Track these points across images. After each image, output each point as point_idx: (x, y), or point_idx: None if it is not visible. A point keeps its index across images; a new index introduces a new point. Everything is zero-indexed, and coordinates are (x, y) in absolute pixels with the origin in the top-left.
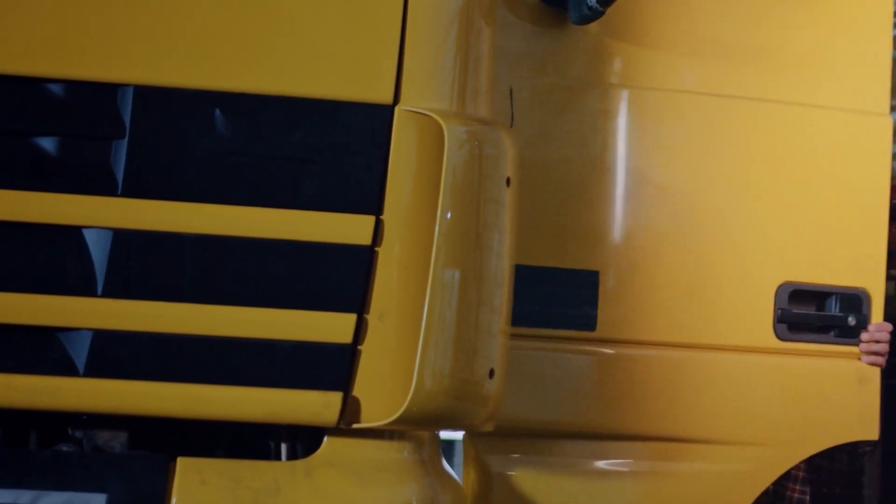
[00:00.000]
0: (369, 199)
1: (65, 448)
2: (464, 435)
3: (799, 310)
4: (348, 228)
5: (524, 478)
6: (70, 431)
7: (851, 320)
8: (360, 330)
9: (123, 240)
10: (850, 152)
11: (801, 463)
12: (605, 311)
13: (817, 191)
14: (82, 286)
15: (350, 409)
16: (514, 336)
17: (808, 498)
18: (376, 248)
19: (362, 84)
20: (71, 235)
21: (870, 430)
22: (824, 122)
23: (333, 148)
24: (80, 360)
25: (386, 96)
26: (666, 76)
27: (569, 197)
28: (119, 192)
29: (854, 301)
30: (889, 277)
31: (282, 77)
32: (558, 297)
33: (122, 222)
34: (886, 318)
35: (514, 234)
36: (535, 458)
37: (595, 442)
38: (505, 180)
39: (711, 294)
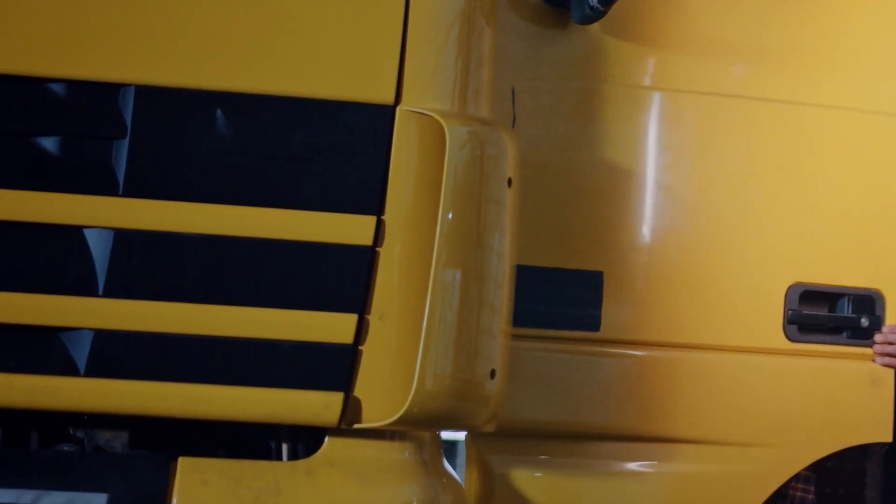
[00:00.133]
0: (370, 200)
1: (66, 448)
2: (466, 435)
3: (810, 311)
4: (349, 229)
5: (527, 478)
6: (71, 431)
7: (864, 321)
8: (361, 330)
9: (124, 240)
10: (864, 152)
11: None
12: (610, 312)
13: (828, 191)
14: (83, 286)
15: (351, 409)
16: (517, 337)
17: (811, 497)
18: (377, 249)
19: (363, 84)
20: (72, 235)
21: (884, 431)
22: (836, 121)
23: (335, 148)
24: (81, 359)
25: (387, 96)
26: (671, 76)
27: (573, 197)
28: (120, 192)
29: (867, 302)
30: None
31: (283, 77)
32: (562, 297)
33: (123, 222)
34: None
35: (515, 234)
36: (538, 459)
37: (599, 443)
38: (506, 181)
39: (718, 295)
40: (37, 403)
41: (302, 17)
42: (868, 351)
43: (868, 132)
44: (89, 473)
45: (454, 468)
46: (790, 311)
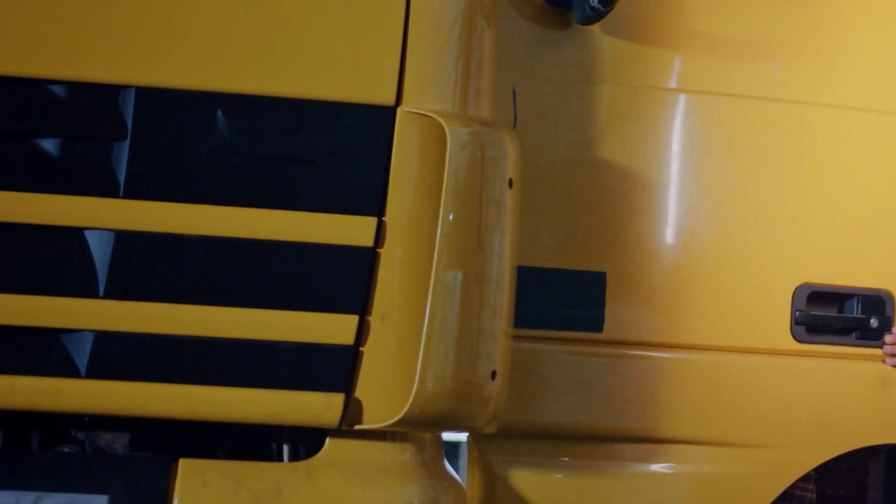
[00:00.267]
0: (371, 201)
1: (67, 449)
2: (468, 437)
3: (818, 312)
4: (350, 230)
5: (529, 480)
6: (72, 433)
7: (874, 322)
8: (362, 331)
9: (125, 241)
10: (873, 152)
11: None
12: (614, 312)
13: (835, 190)
14: (84, 287)
15: (352, 410)
16: (520, 338)
17: (813, 496)
18: (378, 250)
19: (364, 85)
20: (73, 237)
21: (894, 433)
22: (844, 121)
23: (335, 149)
24: (82, 361)
25: (388, 98)
26: (674, 76)
27: (576, 198)
28: (121, 194)
29: (877, 303)
30: None
31: (284, 78)
32: (565, 298)
33: (123, 224)
34: None
35: (516, 235)
36: (541, 460)
37: (602, 444)
38: (507, 182)
39: (723, 295)
40: (38, 405)
41: (302, 19)
42: (878, 352)
43: (877, 132)
44: (90, 475)
45: (456, 469)
46: (798, 312)
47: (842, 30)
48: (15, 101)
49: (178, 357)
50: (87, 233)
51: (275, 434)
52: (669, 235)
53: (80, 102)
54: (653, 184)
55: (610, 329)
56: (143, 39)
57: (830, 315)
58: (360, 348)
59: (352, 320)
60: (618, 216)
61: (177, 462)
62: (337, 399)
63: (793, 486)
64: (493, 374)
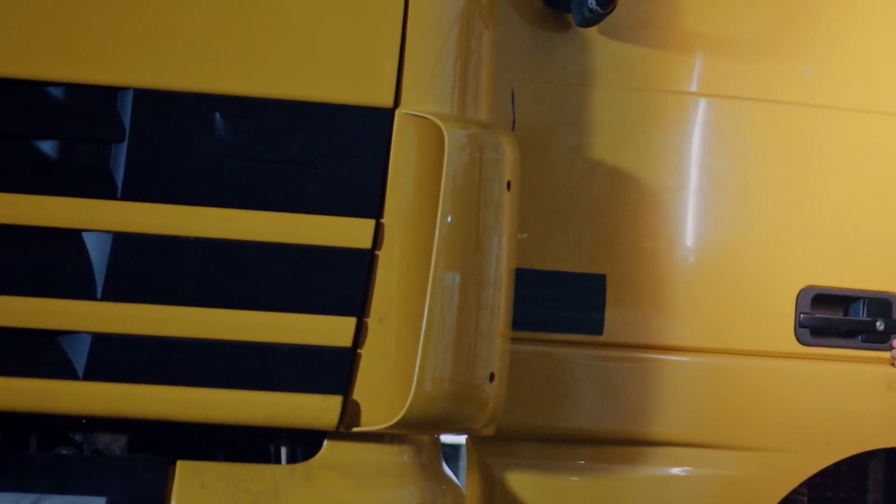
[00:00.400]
0: (369, 203)
1: (65, 451)
2: (466, 439)
3: (823, 314)
4: (348, 232)
5: (528, 483)
6: (70, 434)
7: (880, 325)
8: (360, 333)
9: (123, 243)
10: (878, 154)
11: None
12: (614, 315)
13: (840, 193)
14: (82, 289)
15: (350, 412)
16: (520, 340)
17: (805, 500)
18: (376, 252)
19: (363, 87)
20: (71, 239)
21: None
22: (848, 123)
23: (334, 151)
24: (80, 363)
25: (386, 100)
26: (675, 78)
27: (576, 200)
28: (119, 196)
29: (883, 305)
30: None
31: (282, 80)
32: (565, 301)
33: (121, 226)
34: None
35: (514, 237)
36: (540, 463)
37: (603, 447)
38: (505, 184)
39: (726, 298)
40: (35, 407)
41: (301, 20)
42: (883, 355)
43: (882, 134)
44: (88, 477)
45: (457, 471)
46: (802, 315)
47: (842, 30)
48: (13, 103)
49: (176, 359)
50: (84, 234)
51: (273, 436)
52: (671, 238)
53: (78, 104)
54: (654, 186)
55: (610, 332)
56: (141, 41)
57: (836, 318)
58: (358, 350)
59: (350, 322)
60: (618, 218)
61: (175, 464)
62: (335, 401)
63: None
64: (492, 377)
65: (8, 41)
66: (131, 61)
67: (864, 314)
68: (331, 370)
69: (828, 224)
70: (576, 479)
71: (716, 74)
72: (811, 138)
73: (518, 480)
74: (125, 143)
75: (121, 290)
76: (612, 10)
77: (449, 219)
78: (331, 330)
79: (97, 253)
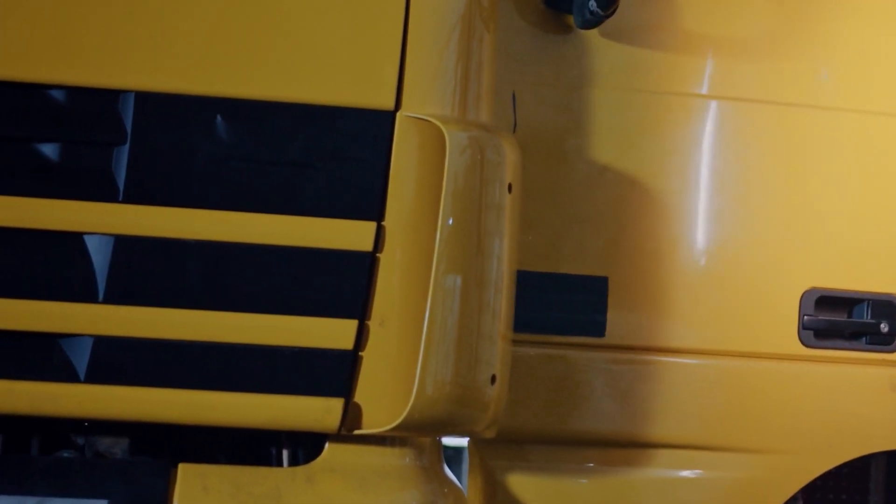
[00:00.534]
0: (371, 205)
1: (66, 454)
2: (468, 441)
3: (827, 316)
4: (350, 234)
5: (531, 485)
6: (72, 437)
7: (884, 327)
8: (361, 336)
9: (125, 246)
10: (882, 155)
11: None
12: (617, 317)
13: (844, 194)
14: (83, 292)
15: (351, 415)
16: (522, 342)
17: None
18: (378, 254)
19: (364, 90)
20: (72, 242)
21: None
22: (852, 124)
23: (335, 154)
24: (82, 366)
25: (387, 102)
26: (676, 80)
27: (578, 202)
28: (120, 199)
29: (887, 307)
30: None
31: (283, 83)
32: (567, 303)
33: (123, 228)
34: None
35: (515, 239)
36: (543, 465)
37: (605, 450)
38: (506, 186)
39: (729, 300)
40: (37, 410)
41: (302, 23)
42: (887, 357)
43: (886, 136)
44: (90, 480)
45: (459, 474)
46: (806, 317)
47: (846, 31)
48: (14, 106)
49: (178, 362)
50: (86, 237)
51: (274, 439)
52: (673, 240)
53: (80, 107)
54: (656, 188)
55: (612, 334)
56: (142, 44)
57: (840, 320)
58: (360, 353)
59: (351, 325)
60: (621, 220)
61: (176, 467)
62: (336, 404)
63: None
64: (493, 379)
65: (9, 44)
66: (132, 64)
67: (868, 316)
68: (332, 373)
69: (831, 226)
70: (578, 481)
71: (717, 76)
72: (815, 140)
73: (520, 483)
74: (127, 146)
75: (122, 292)
76: (613, 13)
77: (450, 221)
78: (332, 332)
79: (99, 256)
